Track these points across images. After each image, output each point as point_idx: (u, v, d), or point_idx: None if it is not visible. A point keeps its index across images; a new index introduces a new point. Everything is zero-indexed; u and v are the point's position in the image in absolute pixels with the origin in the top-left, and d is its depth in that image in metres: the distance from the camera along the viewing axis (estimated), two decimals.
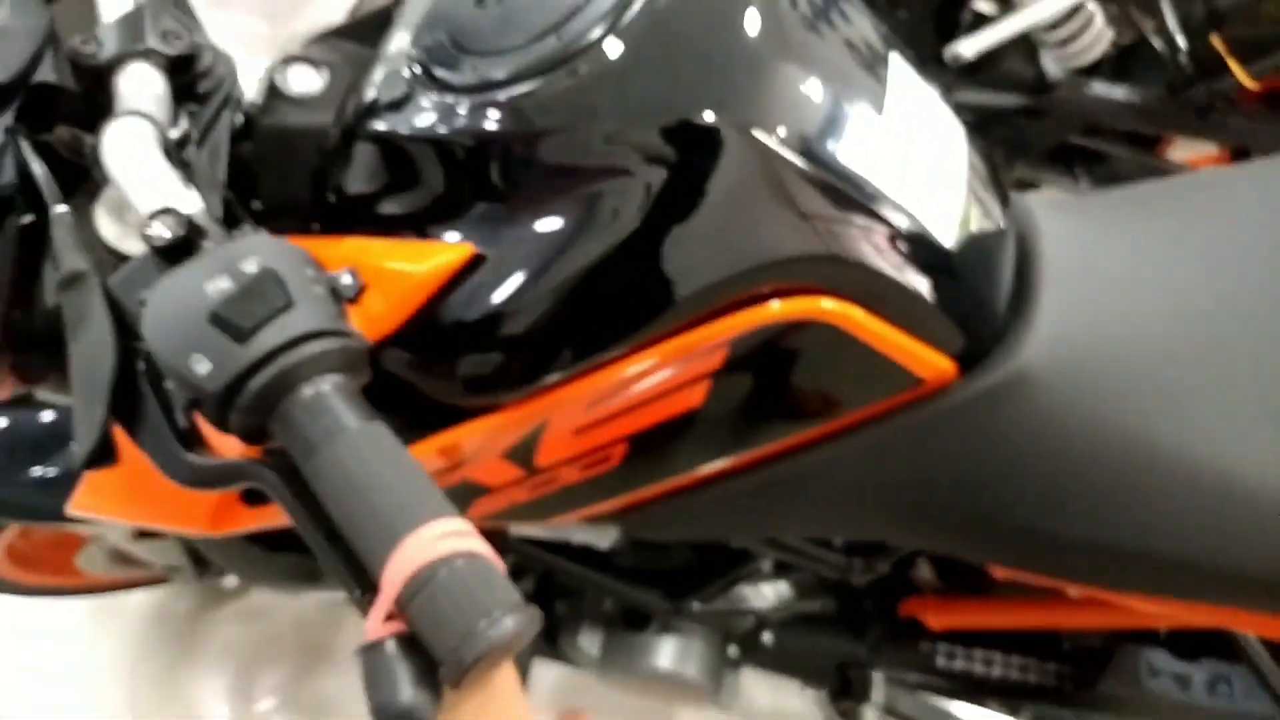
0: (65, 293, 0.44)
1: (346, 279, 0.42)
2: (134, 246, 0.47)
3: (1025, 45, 1.60)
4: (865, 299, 0.54)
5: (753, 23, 0.50)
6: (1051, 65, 1.60)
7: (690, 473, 0.64)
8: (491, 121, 0.48)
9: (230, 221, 0.55)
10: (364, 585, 0.37)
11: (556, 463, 0.61)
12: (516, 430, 0.57)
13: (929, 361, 0.58)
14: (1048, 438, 0.59)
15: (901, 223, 0.53)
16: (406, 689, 0.35)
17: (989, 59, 1.60)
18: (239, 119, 0.55)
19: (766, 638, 1.02)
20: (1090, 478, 0.59)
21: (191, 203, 0.42)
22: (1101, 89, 1.51)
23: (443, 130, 0.49)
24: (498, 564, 0.37)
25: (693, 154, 0.48)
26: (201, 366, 0.37)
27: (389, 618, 0.36)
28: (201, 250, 0.41)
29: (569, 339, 0.51)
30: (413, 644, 0.36)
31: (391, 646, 0.36)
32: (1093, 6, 1.52)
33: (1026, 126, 1.64)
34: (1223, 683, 0.91)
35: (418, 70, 0.51)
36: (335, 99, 0.57)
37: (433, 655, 0.35)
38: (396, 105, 0.50)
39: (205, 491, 0.44)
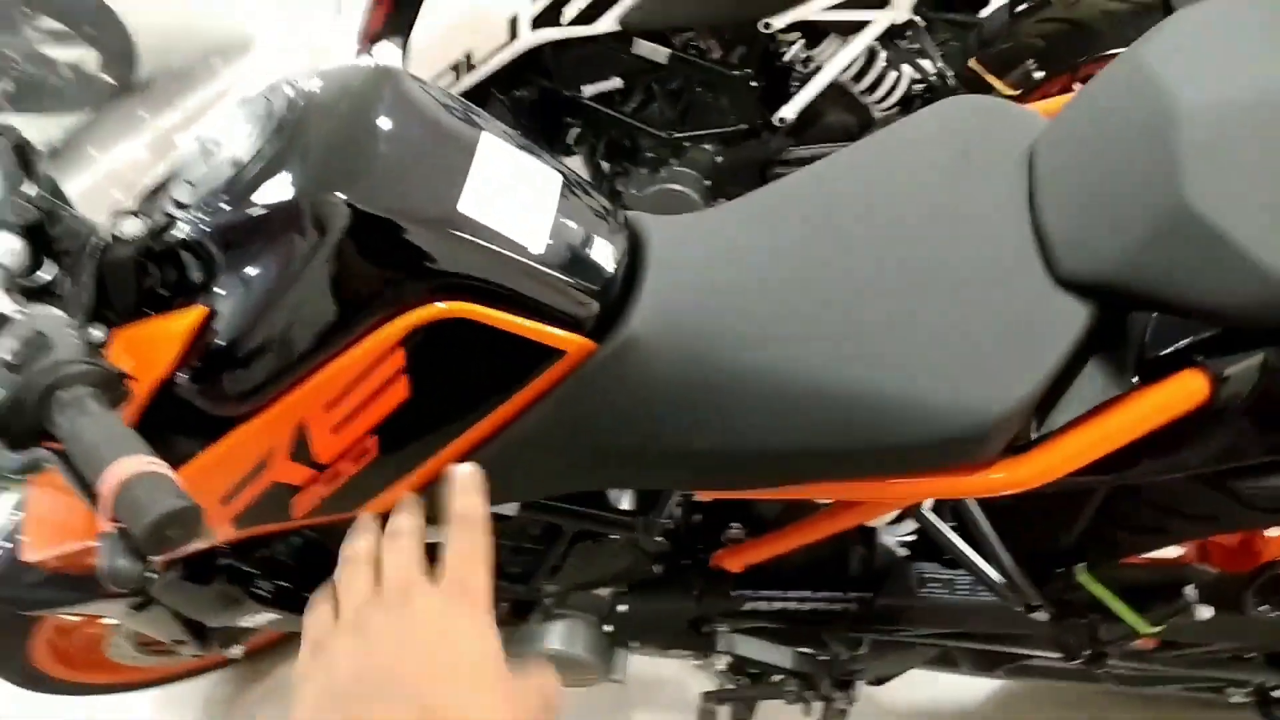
0: None
1: (95, 332, 0.69)
2: None
3: (843, 98, 1.87)
4: (487, 299, 0.79)
5: (369, 129, 0.78)
6: (873, 110, 1.86)
7: (434, 453, 0.88)
8: (205, 222, 0.76)
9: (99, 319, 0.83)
10: (95, 501, 0.62)
11: (334, 458, 0.86)
12: (282, 432, 0.82)
13: (562, 338, 0.82)
14: (665, 381, 0.83)
15: (501, 241, 0.79)
16: (119, 559, 0.60)
17: (812, 117, 1.88)
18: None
19: (623, 608, 1.22)
20: (702, 404, 0.82)
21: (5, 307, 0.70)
22: None
23: (179, 236, 0.77)
24: (172, 476, 0.61)
25: (336, 220, 0.75)
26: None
27: (109, 519, 0.61)
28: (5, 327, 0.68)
29: (284, 351, 0.77)
30: (124, 533, 0.60)
31: (111, 533, 0.61)
32: (883, 55, 1.79)
33: None
34: (978, 585, 1.08)
35: (169, 203, 0.79)
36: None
37: (130, 538, 0.60)
38: (157, 232, 0.78)
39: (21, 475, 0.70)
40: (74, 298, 0.80)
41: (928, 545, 1.13)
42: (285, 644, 1.85)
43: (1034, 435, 0.82)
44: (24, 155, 0.83)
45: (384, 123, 0.79)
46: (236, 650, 1.54)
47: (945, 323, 0.79)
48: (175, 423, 0.81)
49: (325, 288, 0.76)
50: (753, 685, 1.29)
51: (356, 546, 0.65)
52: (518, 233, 0.80)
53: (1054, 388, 0.81)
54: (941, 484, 0.80)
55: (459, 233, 0.77)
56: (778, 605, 1.14)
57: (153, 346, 0.78)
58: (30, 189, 0.83)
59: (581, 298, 0.83)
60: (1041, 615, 1.03)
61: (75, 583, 1.18)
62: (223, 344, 0.76)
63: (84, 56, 2.57)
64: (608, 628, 1.26)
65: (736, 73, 1.96)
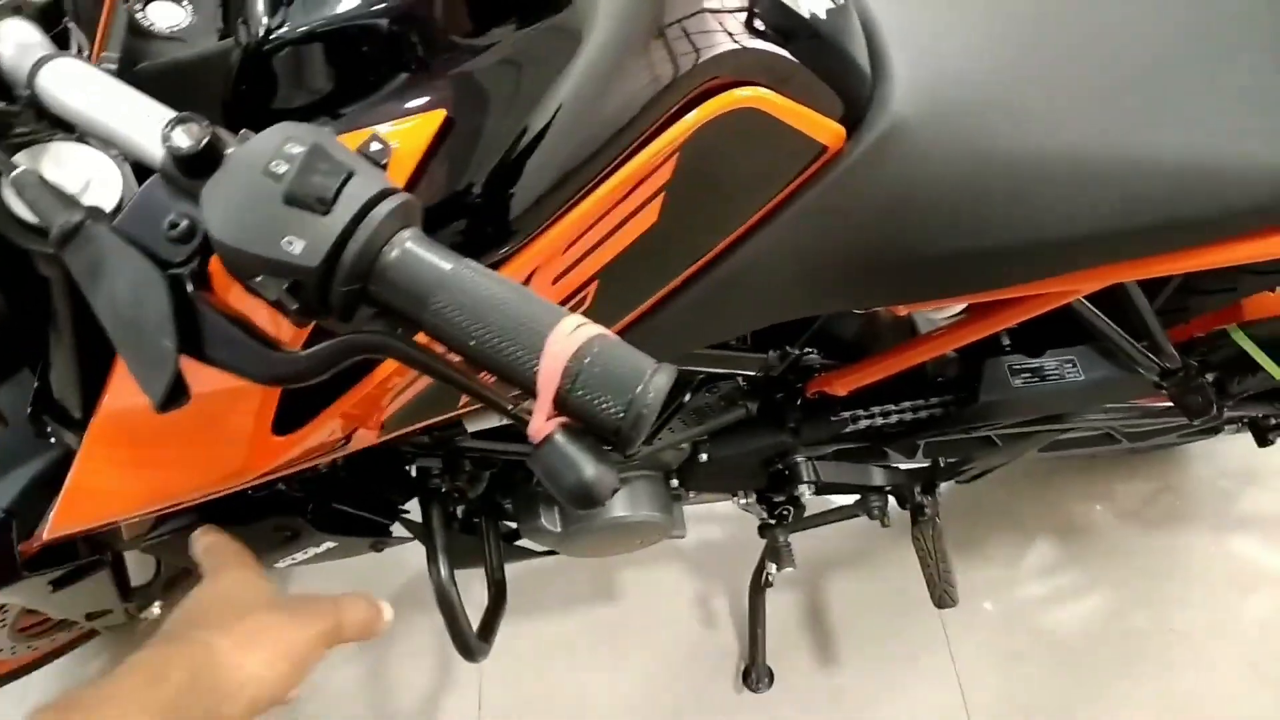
0: (65, 248, 0.42)
1: (376, 145, 0.44)
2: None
3: None
4: (767, 80, 0.61)
5: None
6: None
7: (656, 290, 0.70)
8: None
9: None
10: (516, 398, 0.41)
11: None
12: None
13: (826, 128, 0.66)
14: (929, 173, 0.70)
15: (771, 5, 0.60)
16: (589, 466, 0.39)
17: None
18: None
19: (702, 459, 1.11)
20: (969, 197, 0.71)
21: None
22: None
23: (367, 7, 0.50)
24: (621, 342, 0.41)
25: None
26: (295, 247, 0.38)
27: (550, 416, 0.40)
28: (228, 154, 0.41)
29: (549, 173, 0.55)
30: (578, 430, 0.40)
31: (561, 437, 0.40)
32: None
33: None
34: (1068, 364, 1.10)
35: None
36: (210, 27, 0.56)
37: (601, 432, 0.40)
38: (305, 3, 0.50)
39: (310, 381, 0.44)
40: None
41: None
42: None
43: None
44: None
45: None
46: (155, 609, 1.25)
47: (1236, 83, 0.75)
48: None
49: (590, 95, 0.54)
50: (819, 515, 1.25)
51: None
52: None
53: None
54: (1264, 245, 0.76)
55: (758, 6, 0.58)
56: (893, 418, 1.09)
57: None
58: None
59: (852, 80, 0.67)
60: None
61: None
62: (470, 163, 0.52)
63: None
64: (674, 483, 1.15)
65: None
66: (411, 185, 0.52)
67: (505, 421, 0.89)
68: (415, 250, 0.40)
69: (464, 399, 0.70)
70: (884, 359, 1.03)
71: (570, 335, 0.39)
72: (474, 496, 1.06)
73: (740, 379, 1.04)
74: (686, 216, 0.65)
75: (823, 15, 0.65)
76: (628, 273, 0.66)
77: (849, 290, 0.78)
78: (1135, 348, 1.01)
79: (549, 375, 0.39)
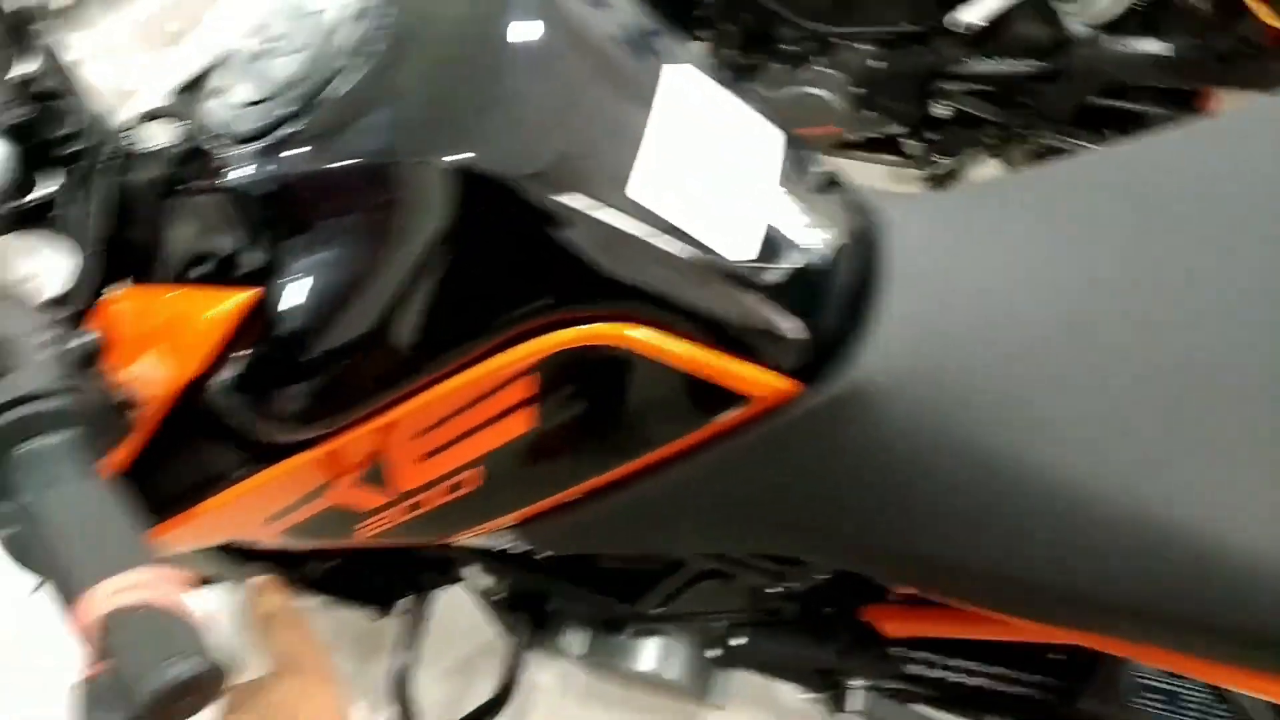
0: None
1: (85, 338, 0.45)
2: None
3: (1036, 4, 1.50)
4: (668, 324, 0.53)
5: (501, 52, 0.50)
6: (1072, 23, 1.49)
7: (556, 491, 0.65)
8: (255, 168, 0.51)
9: (119, 270, 0.60)
10: (72, 619, 0.40)
11: (418, 487, 0.63)
12: (352, 461, 0.59)
13: (755, 380, 0.56)
14: (889, 452, 0.57)
15: (686, 245, 0.52)
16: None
17: (998, 23, 1.51)
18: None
19: (737, 642, 1.00)
20: (929, 491, 0.56)
21: None
22: (1123, 45, 1.40)
23: (216, 182, 0.52)
24: (185, 612, 0.39)
25: (446, 193, 0.49)
26: None
27: (93, 660, 0.39)
28: None
29: (368, 368, 0.53)
30: (110, 683, 0.38)
31: (93, 681, 0.38)
32: None
33: (1042, 90, 1.54)
34: (1218, 703, 0.84)
35: (201, 125, 0.54)
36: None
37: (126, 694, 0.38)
38: (184, 160, 0.53)
39: None
40: (79, 228, 0.56)
41: None
42: None
43: None
44: (17, 20, 0.57)
45: (522, 41, 0.52)
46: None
47: None
48: (204, 435, 0.58)
49: (433, 287, 0.51)
50: None
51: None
52: (715, 231, 0.53)
53: None
54: None
55: (627, 228, 0.51)
56: (950, 678, 0.91)
57: (182, 327, 0.54)
58: (24, 65, 0.58)
59: (794, 326, 0.56)
60: None
61: None
62: (279, 346, 0.52)
63: None
64: (712, 653, 1.05)
65: None
66: (220, 360, 0.53)
67: (497, 544, 0.88)
68: (41, 455, 0.41)
69: (361, 532, 0.70)
70: (953, 615, 0.85)
71: (107, 598, 0.38)
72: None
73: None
74: (566, 433, 0.59)
75: (766, 260, 0.55)
76: (515, 467, 0.62)
77: (789, 543, 0.66)
78: None
79: (88, 617, 0.38)
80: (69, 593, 0.39)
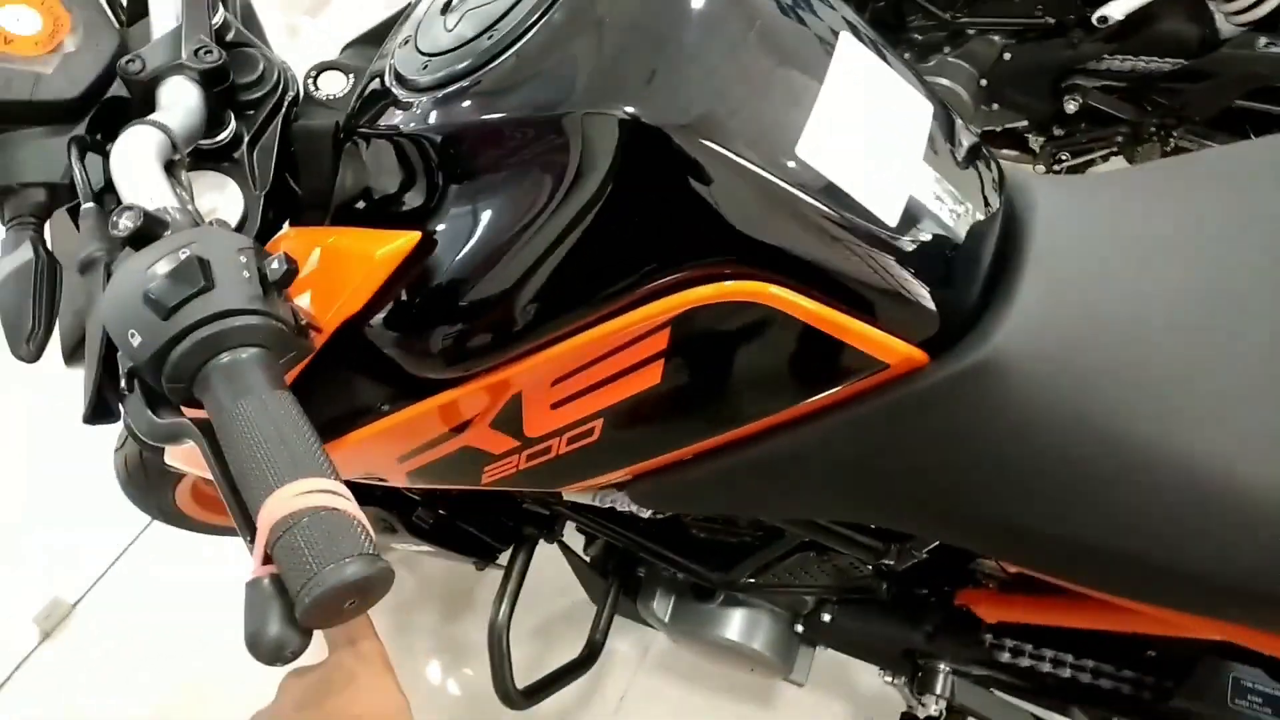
0: (83, 277, 0.53)
1: (275, 265, 0.48)
2: None
3: (1187, 1, 1.45)
4: (808, 284, 0.55)
5: (678, 13, 0.52)
6: (1221, 21, 1.44)
7: (673, 448, 0.67)
8: (434, 116, 0.53)
9: (280, 213, 0.64)
10: (250, 530, 0.43)
11: (544, 435, 0.66)
12: (490, 402, 0.62)
13: (888, 347, 0.57)
14: (1016, 427, 0.57)
15: (843, 208, 0.53)
16: (275, 624, 0.40)
17: (1142, 19, 1.47)
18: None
19: (826, 617, 1.02)
20: (1058, 470, 0.57)
21: (164, 199, 0.50)
22: (1274, 44, 1.34)
23: (398, 126, 0.55)
24: (358, 520, 0.41)
25: (613, 144, 0.51)
26: (135, 339, 0.44)
27: (265, 560, 0.42)
28: (157, 241, 0.48)
29: (516, 314, 0.56)
30: (281, 586, 0.41)
31: (266, 585, 0.41)
32: None
33: (1186, 91, 1.49)
34: None
35: (388, 73, 0.57)
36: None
37: (289, 595, 0.40)
38: (367, 106, 0.56)
39: (162, 445, 0.51)
40: (249, 168, 0.60)
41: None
42: None
43: None
44: None
45: (703, 5, 0.53)
46: None
47: None
48: (356, 369, 0.61)
49: (587, 238, 0.53)
50: None
51: None
52: (868, 194, 0.54)
53: None
54: None
55: (789, 186, 0.52)
56: (1040, 668, 0.91)
57: (354, 263, 0.57)
58: (216, 16, 0.62)
59: (929, 297, 0.57)
60: None
61: None
62: (437, 285, 0.55)
63: None
64: (799, 627, 1.06)
65: None
66: (380, 297, 0.56)
67: (602, 501, 0.91)
68: (238, 367, 0.44)
69: (486, 476, 0.73)
70: (1054, 603, 0.85)
71: (290, 499, 0.40)
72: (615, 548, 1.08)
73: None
74: (691, 390, 0.61)
75: (916, 229, 0.55)
76: (635, 422, 0.64)
77: (899, 514, 0.66)
78: None
79: (262, 526, 0.41)
80: (254, 494, 0.42)
